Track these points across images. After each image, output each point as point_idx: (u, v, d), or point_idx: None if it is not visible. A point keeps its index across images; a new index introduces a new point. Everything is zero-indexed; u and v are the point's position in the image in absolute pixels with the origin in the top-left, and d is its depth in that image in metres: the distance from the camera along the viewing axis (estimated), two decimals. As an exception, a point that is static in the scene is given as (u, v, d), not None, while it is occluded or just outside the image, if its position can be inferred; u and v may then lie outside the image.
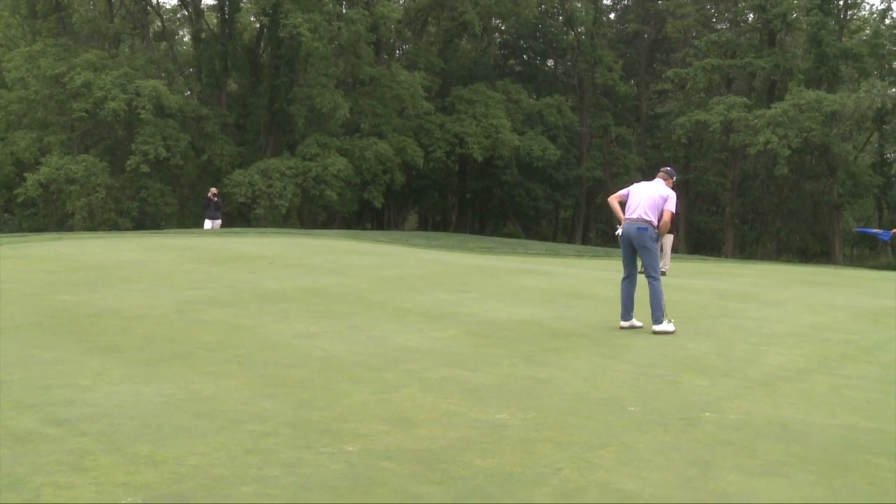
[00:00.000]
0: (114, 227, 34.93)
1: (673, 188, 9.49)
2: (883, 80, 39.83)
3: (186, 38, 51.29)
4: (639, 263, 9.46)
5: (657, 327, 9.05)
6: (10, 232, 34.93)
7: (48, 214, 39.36)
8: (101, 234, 21.67)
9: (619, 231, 9.38)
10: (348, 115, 38.76)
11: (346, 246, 18.63)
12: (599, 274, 15.83)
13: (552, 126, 47.71)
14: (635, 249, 9.30)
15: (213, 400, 5.50)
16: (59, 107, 37.43)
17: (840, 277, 19.87)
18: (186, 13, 46.06)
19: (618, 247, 9.72)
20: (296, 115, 38.47)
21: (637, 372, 7.14)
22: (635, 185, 9.63)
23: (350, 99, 39.81)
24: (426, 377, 6.48)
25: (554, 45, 54.53)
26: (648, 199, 9.20)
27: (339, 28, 38.15)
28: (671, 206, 9.24)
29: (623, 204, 9.48)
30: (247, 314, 8.92)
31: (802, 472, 4.72)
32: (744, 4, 46.93)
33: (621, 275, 9.59)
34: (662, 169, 9.86)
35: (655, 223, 9.17)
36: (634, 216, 9.19)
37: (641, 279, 9.40)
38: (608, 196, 10.11)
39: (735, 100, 41.45)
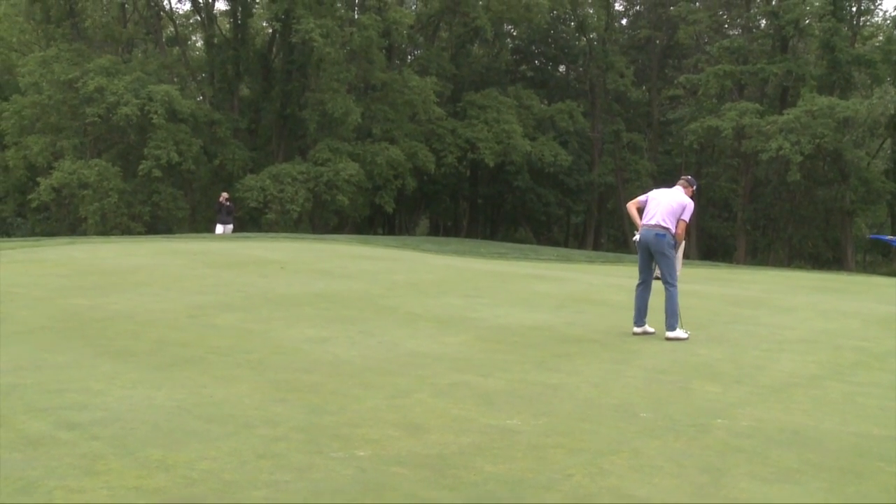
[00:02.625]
0: (126, 231, 35.03)
1: (692, 197, 9.46)
2: (896, 86, 39.64)
3: (199, 44, 51.49)
4: (655, 270, 9.42)
5: (670, 334, 9.02)
6: (23, 236, 35.07)
7: (61, 219, 39.51)
8: (113, 238, 21.76)
9: (637, 237, 9.35)
10: (360, 121, 38.79)
11: (357, 251, 18.65)
12: (611, 280, 15.80)
13: (564, 132, 47.67)
14: (652, 256, 9.27)
15: (224, 404, 5.51)
16: (73, 111, 37.57)
17: (852, 284, 19.78)
18: (199, 18, 46.23)
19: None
20: (308, 120, 38.54)
21: (649, 378, 7.12)
22: (654, 191, 9.58)
23: (362, 104, 39.85)
24: (437, 382, 6.47)
25: (566, 50, 54.49)
26: (667, 206, 9.15)
27: (352, 33, 38.22)
28: (686, 216, 9.19)
29: (641, 210, 9.43)
30: (258, 319, 8.93)
31: (815, 480, 4.70)
32: (756, 10, 46.82)
33: (632, 281, 9.57)
34: (683, 177, 9.82)
35: (674, 230, 9.14)
36: (652, 222, 9.14)
37: (656, 286, 9.37)
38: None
39: (747, 106, 41.35)
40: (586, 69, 52.75)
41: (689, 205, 9.27)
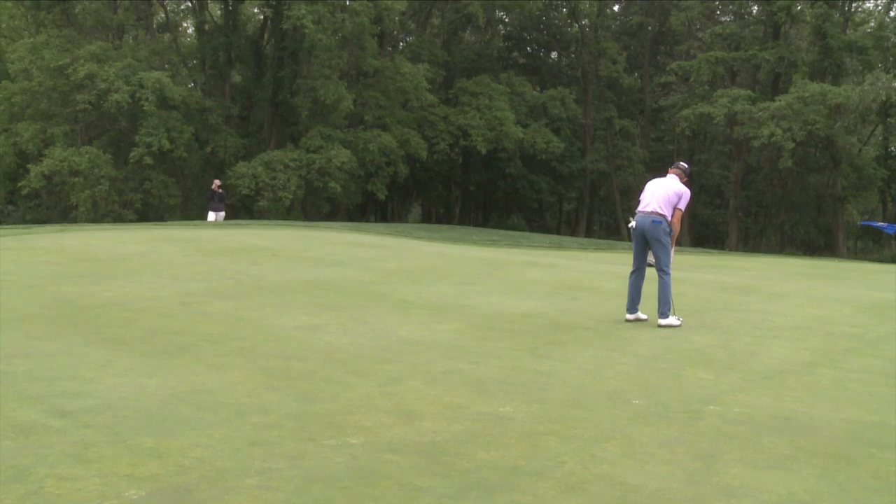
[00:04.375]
0: (117, 218, 34.90)
1: (686, 184, 9.43)
2: (887, 72, 39.55)
3: (190, 30, 51.23)
4: (649, 257, 9.42)
5: (663, 321, 9.04)
6: (14, 223, 34.96)
7: (52, 206, 39.32)
8: (104, 225, 21.67)
9: (633, 224, 9.34)
10: (352, 107, 38.70)
11: (349, 238, 18.62)
12: (603, 267, 15.81)
13: (556, 118, 47.63)
14: (647, 243, 9.27)
15: (216, 392, 5.50)
16: (63, 98, 37.33)
17: (844, 271, 19.82)
18: (190, 4, 46.00)
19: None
20: (299, 106, 38.41)
21: (641, 365, 7.13)
22: (649, 183, 9.57)
23: (354, 91, 39.73)
24: (430, 370, 6.47)
25: (558, 37, 54.43)
26: (662, 194, 9.16)
27: (343, 20, 38.05)
28: (682, 204, 9.19)
29: None
30: (250, 306, 8.91)
31: (807, 466, 4.71)
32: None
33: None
34: (677, 165, 9.70)
35: (669, 217, 9.14)
36: (648, 209, 9.15)
37: (649, 273, 9.37)
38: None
39: (739, 92, 41.36)
40: (578, 56, 52.68)
41: (686, 193, 9.25)
